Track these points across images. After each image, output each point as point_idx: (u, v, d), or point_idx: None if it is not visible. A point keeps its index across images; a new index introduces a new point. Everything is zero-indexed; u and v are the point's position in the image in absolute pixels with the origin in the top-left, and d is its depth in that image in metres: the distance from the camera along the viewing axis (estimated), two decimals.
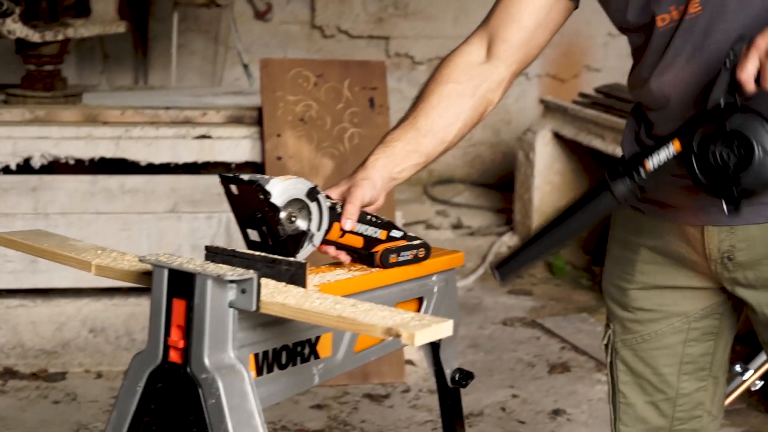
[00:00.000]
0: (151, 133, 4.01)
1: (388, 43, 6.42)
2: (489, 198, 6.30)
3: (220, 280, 1.55)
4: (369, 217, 1.88)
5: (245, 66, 5.72)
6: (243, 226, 1.79)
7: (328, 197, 1.82)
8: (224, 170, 4.08)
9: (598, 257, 5.07)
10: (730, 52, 1.68)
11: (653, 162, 1.73)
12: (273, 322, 1.65)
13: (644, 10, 1.86)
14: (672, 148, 1.72)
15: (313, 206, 1.78)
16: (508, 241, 5.67)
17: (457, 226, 5.96)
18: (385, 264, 1.88)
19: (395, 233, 1.92)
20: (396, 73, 6.26)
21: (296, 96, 4.15)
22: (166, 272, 1.58)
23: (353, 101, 4.19)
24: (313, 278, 1.78)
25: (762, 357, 2.75)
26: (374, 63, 4.43)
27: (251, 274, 1.55)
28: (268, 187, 1.72)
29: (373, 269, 1.88)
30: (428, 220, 5.99)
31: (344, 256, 1.88)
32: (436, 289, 1.98)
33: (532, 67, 2.19)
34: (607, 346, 2.11)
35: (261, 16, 6.33)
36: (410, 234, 1.95)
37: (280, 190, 1.73)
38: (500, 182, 6.37)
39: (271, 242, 1.75)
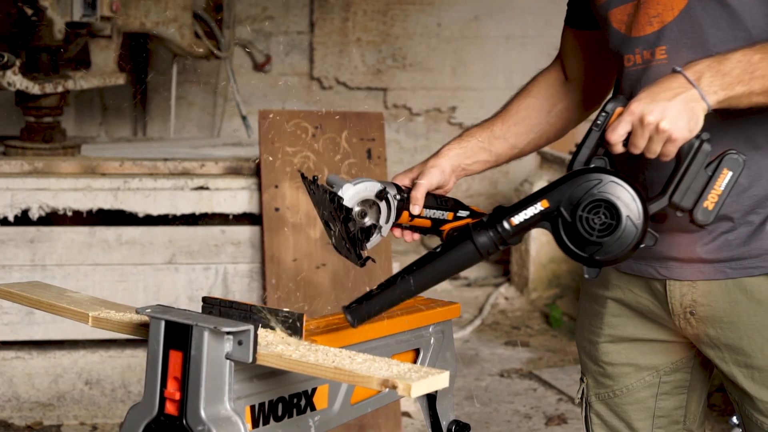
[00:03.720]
0: (149, 185, 4.02)
1: (386, 95, 6.45)
2: None
3: (216, 331, 1.55)
4: (438, 200, 2.01)
5: (244, 117, 5.75)
6: (325, 220, 1.96)
7: (398, 187, 1.98)
8: (223, 219, 4.09)
9: None
10: (602, 113, 1.71)
11: (519, 217, 1.75)
12: (269, 374, 1.65)
13: (618, 48, 1.90)
14: (539, 206, 1.74)
15: (382, 204, 1.95)
16: (505, 292, 5.67)
17: (454, 277, 5.96)
18: None
19: (462, 213, 2.03)
20: (394, 124, 6.29)
21: (294, 147, 4.17)
22: (162, 324, 1.58)
23: (351, 152, 4.20)
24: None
25: None
26: (372, 114, 4.46)
27: (248, 325, 1.56)
28: (340, 193, 1.89)
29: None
30: None
31: (409, 236, 2.02)
32: (432, 341, 1.98)
33: None
34: (582, 399, 2.11)
35: (260, 67, 6.38)
36: (477, 211, 2.05)
37: (351, 194, 1.91)
38: None
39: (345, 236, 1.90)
